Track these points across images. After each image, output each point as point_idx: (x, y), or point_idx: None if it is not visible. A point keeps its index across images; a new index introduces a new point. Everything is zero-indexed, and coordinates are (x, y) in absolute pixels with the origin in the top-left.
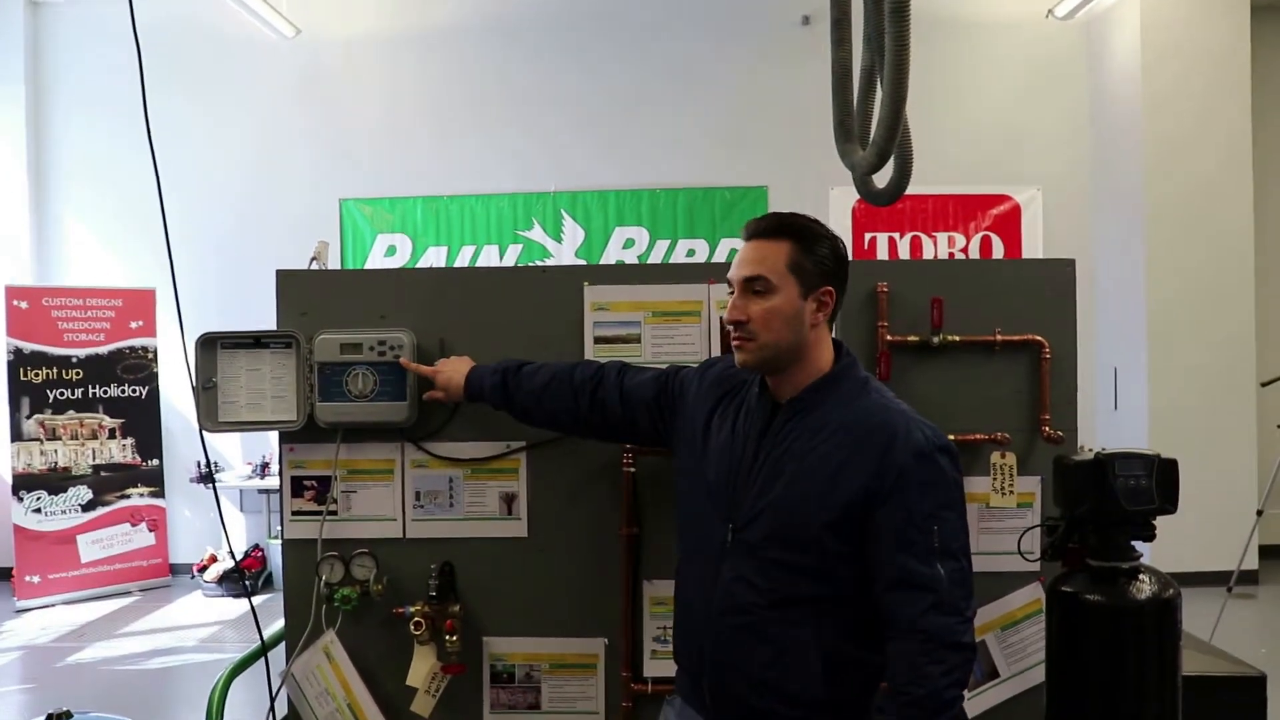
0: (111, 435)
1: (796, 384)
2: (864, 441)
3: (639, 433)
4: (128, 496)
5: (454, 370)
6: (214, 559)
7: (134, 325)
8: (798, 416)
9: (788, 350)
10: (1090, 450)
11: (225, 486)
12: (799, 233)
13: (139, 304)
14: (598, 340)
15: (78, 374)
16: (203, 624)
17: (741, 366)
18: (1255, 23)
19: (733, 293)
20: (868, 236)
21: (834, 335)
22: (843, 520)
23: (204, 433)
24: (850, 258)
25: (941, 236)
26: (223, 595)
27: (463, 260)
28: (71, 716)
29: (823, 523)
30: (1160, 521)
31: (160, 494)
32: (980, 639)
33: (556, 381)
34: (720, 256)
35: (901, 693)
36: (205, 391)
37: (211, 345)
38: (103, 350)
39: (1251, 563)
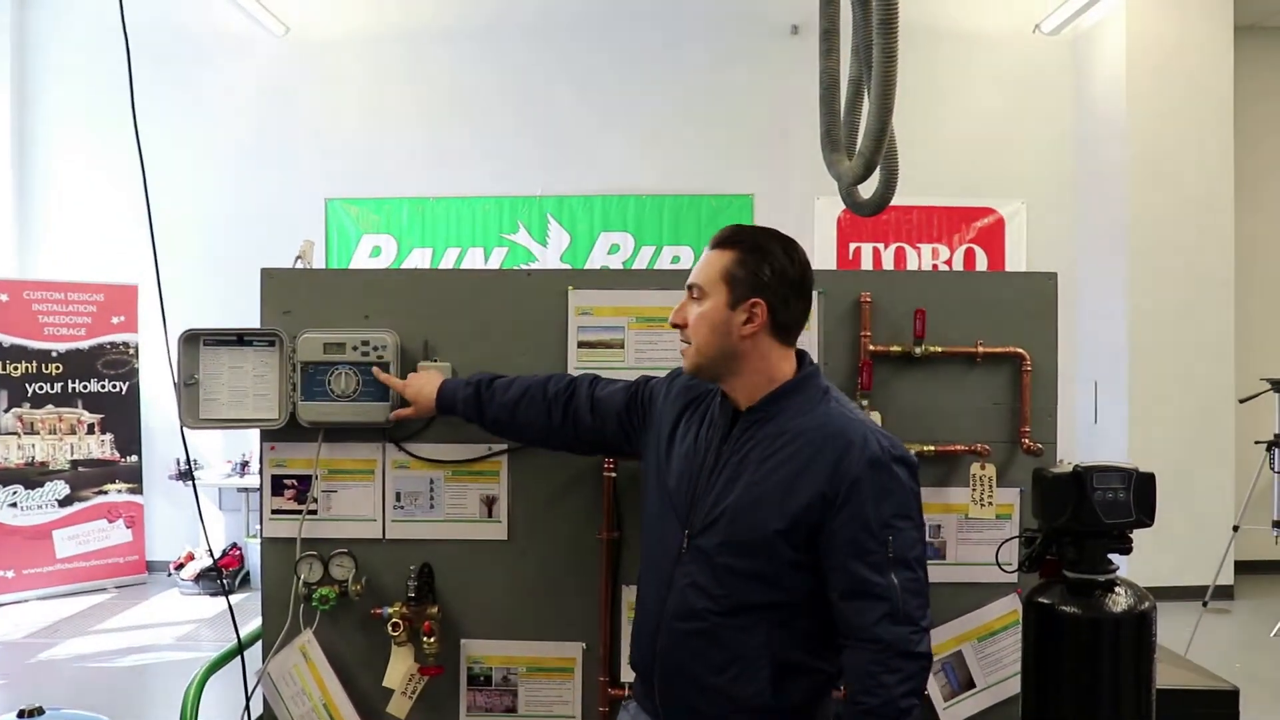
0: (90, 430)
1: (755, 393)
2: (820, 449)
3: (609, 443)
4: (105, 492)
5: (425, 382)
6: (191, 557)
7: (115, 320)
8: (756, 425)
9: (715, 358)
10: (1069, 463)
11: (204, 484)
12: (747, 244)
13: (121, 299)
14: (581, 345)
15: (57, 368)
16: (179, 622)
17: (685, 372)
18: (1238, 41)
19: None
20: (852, 247)
21: (817, 348)
22: (796, 527)
23: (184, 430)
24: (805, 278)
25: (925, 248)
26: (199, 593)
27: (447, 262)
28: (44, 713)
29: (776, 529)
30: (1137, 535)
31: (138, 491)
32: (957, 649)
33: (529, 395)
34: None
35: (856, 702)
36: (187, 388)
37: (194, 342)
38: (83, 345)
39: (1227, 578)
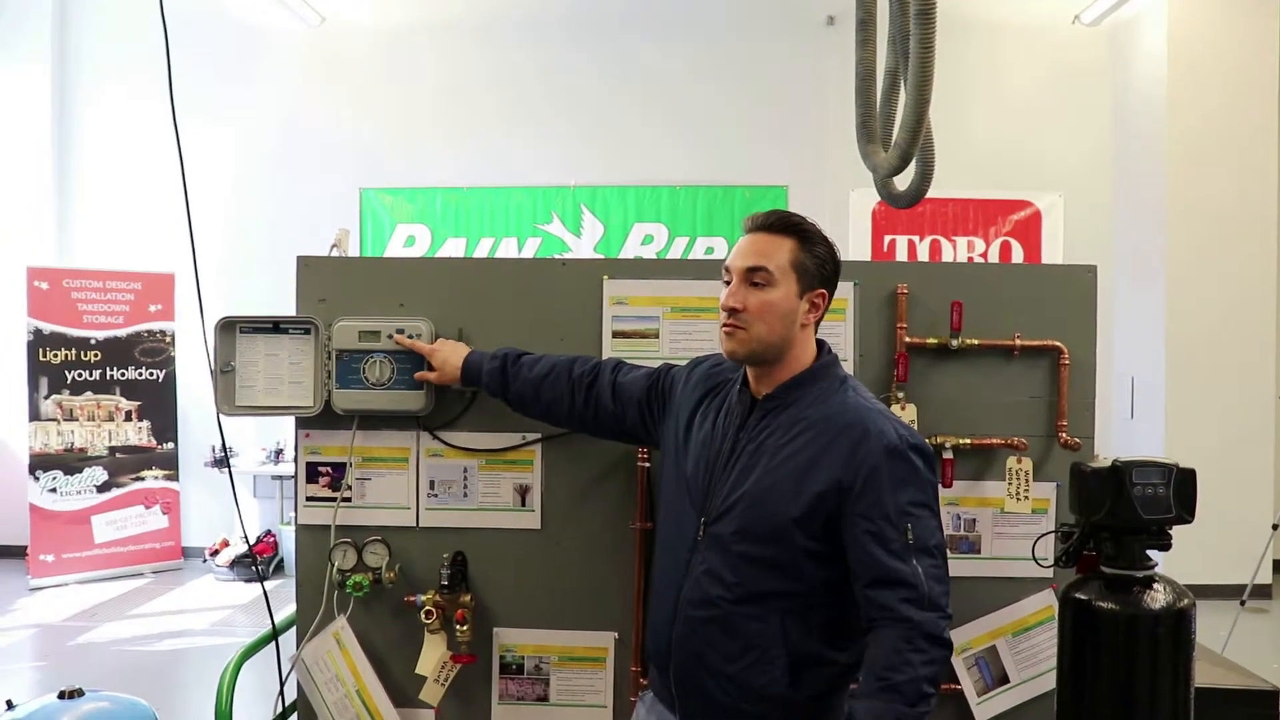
0: (128, 417)
1: (776, 380)
2: (836, 437)
3: (628, 429)
4: (142, 479)
5: (451, 351)
6: (226, 543)
7: (153, 309)
8: (773, 412)
9: (776, 345)
10: (1107, 458)
11: (239, 471)
12: (802, 232)
13: (158, 287)
14: (616, 334)
15: (96, 356)
16: (214, 607)
17: (729, 356)
18: None
19: (729, 282)
20: (887, 239)
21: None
22: (811, 515)
23: (220, 416)
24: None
25: (961, 240)
26: (234, 579)
27: (481, 252)
28: (84, 694)
29: (791, 517)
30: (1174, 532)
31: (175, 477)
32: (991, 644)
33: (555, 374)
34: None
35: (881, 678)
36: (223, 375)
37: (230, 329)
38: (121, 333)
39: (1265, 577)
